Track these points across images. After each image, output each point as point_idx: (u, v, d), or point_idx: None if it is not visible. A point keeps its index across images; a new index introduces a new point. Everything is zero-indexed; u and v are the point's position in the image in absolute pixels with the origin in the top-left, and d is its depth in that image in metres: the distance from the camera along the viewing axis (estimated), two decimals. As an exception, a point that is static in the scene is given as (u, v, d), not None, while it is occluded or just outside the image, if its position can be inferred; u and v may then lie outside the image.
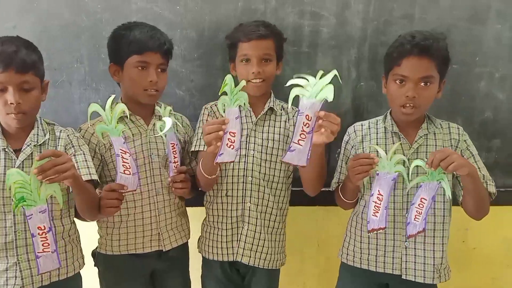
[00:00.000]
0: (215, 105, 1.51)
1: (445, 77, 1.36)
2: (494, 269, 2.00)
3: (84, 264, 1.38)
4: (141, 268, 1.46)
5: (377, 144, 1.38)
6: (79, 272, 1.36)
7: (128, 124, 1.40)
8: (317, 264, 1.94)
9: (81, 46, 1.62)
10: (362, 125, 1.47)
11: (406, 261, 1.37)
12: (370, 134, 1.43)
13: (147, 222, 1.41)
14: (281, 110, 1.52)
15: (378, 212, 1.25)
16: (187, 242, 1.58)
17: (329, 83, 1.15)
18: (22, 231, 1.21)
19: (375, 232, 1.30)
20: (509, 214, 1.95)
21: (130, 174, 1.21)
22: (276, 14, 1.64)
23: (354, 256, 1.46)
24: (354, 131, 1.47)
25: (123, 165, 1.20)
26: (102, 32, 1.56)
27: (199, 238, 1.59)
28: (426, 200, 1.23)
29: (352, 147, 1.46)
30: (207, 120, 1.50)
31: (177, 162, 1.36)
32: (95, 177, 1.28)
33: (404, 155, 1.30)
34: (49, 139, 1.27)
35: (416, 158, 1.28)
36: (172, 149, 1.35)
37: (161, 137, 1.37)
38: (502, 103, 1.82)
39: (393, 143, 1.36)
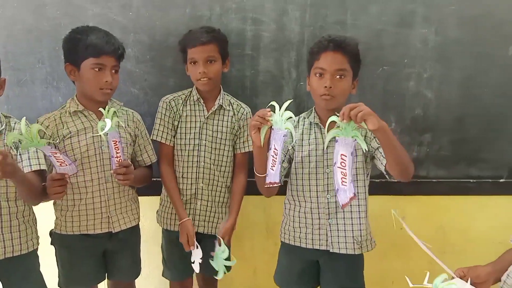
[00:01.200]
0: (173, 100, 1.71)
1: (358, 77, 1.53)
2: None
3: (38, 244, 1.53)
4: (92, 248, 1.62)
5: (302, 134, 1.55)
6: (34, 250, 1.52)
7: (81, 118, 1.56)
8: (266, 250, 2.10)
9: (42, 48, 1.79)
10: (293, 120, 1.64)
11: (331, 236, 1.55)
12: (298, 126, 1.60)
13: (97, 206, 1.57)
14: (229, 106, 1.73)
15: (274, 166, 1.34)
16: (138, 225, 1.74)
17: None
18: None
19: (271, 186, 1.34)
20: (442, 203, 2.13)
21: (66, 165, 1.39)
22: (221, 20, 1.81)
23: (289, 235, 1.63)
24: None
25: (57, 161, 1.38)
26: (61, 35, 1.69)
27: (157, 211, 1.80)
28: (346, 156, 1.23)
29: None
30: (164, 114, 1.70)
31: (119, 156, 1.49)
32: (44, 167, 1.45)
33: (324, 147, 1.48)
34: (5, 129, 1.43)
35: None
36: (114, 145, 1.48)
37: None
38: (431, 100, 2.00)
39: (315, 134, 1.53)
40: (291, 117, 1.28)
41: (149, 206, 1.84)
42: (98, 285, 1.73)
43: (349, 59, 1.47)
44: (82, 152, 1.53)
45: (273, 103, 1.32)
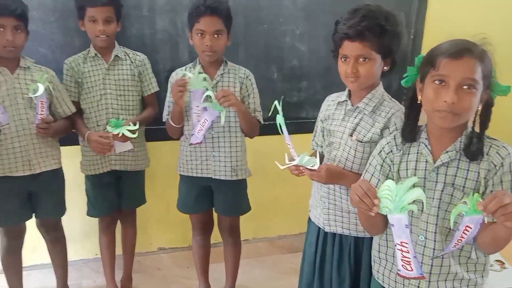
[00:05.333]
0: (73, 61, 1.94)
1: (230, 31, 1.86)
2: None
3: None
4: (16, 188, 1.84)
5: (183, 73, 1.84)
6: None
7: None
8: (177, 187, 2.42)
9: None
10: (177, 72, 1.93)
11: (214, 166, 1.92)
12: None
13: (17, 150, 1.78)
14: (125, 55, 2.00)
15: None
16: (60, 169, 1.98)
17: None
18: None
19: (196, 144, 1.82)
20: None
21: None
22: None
23: (182, 167, 1.98)
24: (175, 74, 1.94)
25: None
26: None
27: (80, 162, 2.06)
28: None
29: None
30: (66, 74, 1.94)
31: (43, 114, 1.73)
32: None
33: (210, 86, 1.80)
34: None
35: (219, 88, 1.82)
36: (41, 105, 1.71)
37: (27, 88, 1.74)
38: (304, 53, 2.43)
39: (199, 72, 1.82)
40: (205, 78, 1.69)
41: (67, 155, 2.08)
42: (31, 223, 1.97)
43: (223, 19, 1.80)
44: None
45: (186, 72, 1.75)
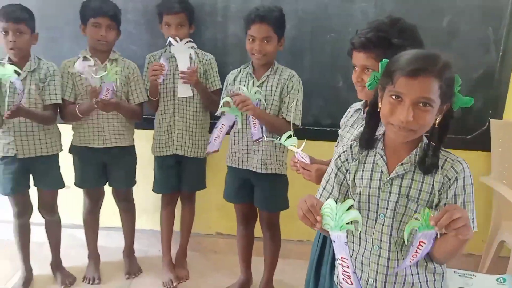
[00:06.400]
0: (152, 56, 2.28)
1: (283, 36, 2.02)
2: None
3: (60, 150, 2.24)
4: (93, 158, 2.26)
5: (240, 82, 2.06)
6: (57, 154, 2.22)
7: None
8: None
9: (69, 13, 2.39)
10: (233, 73, 2.15)
11: (253, 159, 2.07)
12: (239, 75, 2.11)
13: (94, 126, 2.19)
14: (195, 55, 2.23)
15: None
16: (132, 147, 2.35)
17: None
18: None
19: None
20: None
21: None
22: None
23: (228, 158, 2.18)
24: (231, 74, 2.16)
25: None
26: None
27: (152, 145, 2.37)
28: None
29: (227, 85, 2.16)
30: (147, 66, 2.28)
31: (107, 96, 2.02)
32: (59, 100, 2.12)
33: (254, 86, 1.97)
34: (37, 67, 2.09)
35: (262, 90, 1.96)
36: (106, 90, 2.02)
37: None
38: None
39: (251, 81, 2.03)
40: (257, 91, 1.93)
41: (146, 138, 2.45)
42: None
43: (272, 27, 1.94)
44: (86, 86, 2.15)
45: (241, 86, 1.99)
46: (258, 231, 2.36)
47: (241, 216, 2.28)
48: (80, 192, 2.40)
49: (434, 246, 1.11)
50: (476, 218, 1.15)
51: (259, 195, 2.14)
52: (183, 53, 2.11)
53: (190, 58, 2.14)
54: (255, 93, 1.94)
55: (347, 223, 1.06)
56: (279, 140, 1.53)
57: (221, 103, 1.98)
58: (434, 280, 1.22)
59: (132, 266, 2.53)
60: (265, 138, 1.96)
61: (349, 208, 1.07)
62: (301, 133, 2.19)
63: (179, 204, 2.54)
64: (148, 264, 2.60)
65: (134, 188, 2.48)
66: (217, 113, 2.14)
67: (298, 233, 2.68)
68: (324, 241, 1.57)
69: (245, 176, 2.14)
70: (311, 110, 2.46)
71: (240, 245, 2.34)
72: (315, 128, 2.48)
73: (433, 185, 1.15)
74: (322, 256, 1.57)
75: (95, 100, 2.00)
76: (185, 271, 2.52)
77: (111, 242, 2.68)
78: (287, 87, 2.03)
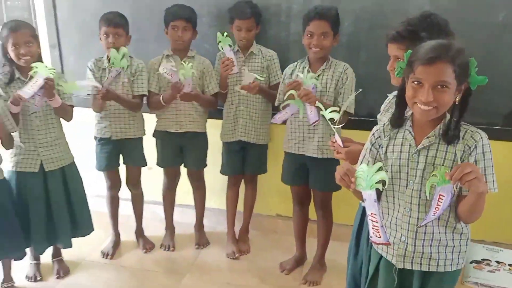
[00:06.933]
0: (222, 53, 2.57)
1: (338, 32, 2.23)
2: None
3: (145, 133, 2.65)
4: (171, 141, 2.63)
5: (296, 76, 2.29)
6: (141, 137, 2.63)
7: (171, 60, 2.52)
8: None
9: (154, 18, 2.79)
10: (290, 67, 2.39)
11: (308, 145, 2.30)
12: (296, 70, 2.34)
13: (172, 113, 2.56)
14: (259, 51, 2.54)
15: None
16: (204, 134, 2.69)
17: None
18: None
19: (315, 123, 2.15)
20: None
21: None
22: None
23: (285, 144, 2.43)
24: (288, 68, 2.40)
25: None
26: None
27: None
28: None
29: (285, 78, 2.39)
30: (217, 63, 2.60)
31: (188, 90, 2.36)
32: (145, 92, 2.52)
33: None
34: (131, 64, 2.49)
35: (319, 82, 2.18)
36: (188, 84, 2.36)
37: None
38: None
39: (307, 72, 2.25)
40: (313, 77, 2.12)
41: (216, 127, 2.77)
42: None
43: (330, 23, 2.16)
44: (168, 81, 2.51)
45: (299, 73, 2.18)
46: (313, 214, 2.59)
47: (297, 197, 2.52)
48: (159, 174, 2.80)
49: (458, 205, 1.35)
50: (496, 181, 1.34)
51: (314, 178, 2.37)
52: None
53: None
54: (311, 78, 2.12)
55: (376, 182, 1.26)
56: (324, 112, 1.72)
57: (286, 95, 2.15)
58: (460, 239, 1.43)
59: (201, 238, 2.89)
60: (321, 122, 2.18)
61: (378, 170, 1.27)
62: (357, 124, 2.44)
63: (243, 187, 2.84)
64: (215, 238, 2.94)
65: (205, 170, 2.83)
66: (277, 104, 2.40)
67: (351, 218, 2.85)
68: (364, 213, 1.76)
69: (301, 160, 2.38)
70: (367, 103, 2.62)
71: (296, 224, 2.58)
72: (370, 119, 2.63)
73: (455, 153, 1.33)
74: (362, 225, 1.77)
75: (179, 95, 2.36)
76: (246, 246, 2.82)
77: (185, 218, 3.04)
78: (342, 80, 2.24)
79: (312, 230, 2.64)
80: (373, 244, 1.52)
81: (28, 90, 2.07)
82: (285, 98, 2.15)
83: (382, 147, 1.46)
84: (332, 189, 2.37)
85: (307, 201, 2.54)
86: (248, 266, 2.69)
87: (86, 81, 2.44)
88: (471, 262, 2.46)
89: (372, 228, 1.34)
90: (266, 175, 2.79)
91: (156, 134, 2.68)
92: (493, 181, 1.33)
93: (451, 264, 1.42)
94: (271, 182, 2.84)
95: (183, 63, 2.33)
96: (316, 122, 2.16)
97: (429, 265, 1.42)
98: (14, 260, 2.39)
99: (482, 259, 2.43)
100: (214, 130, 2.76)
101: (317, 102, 2.09)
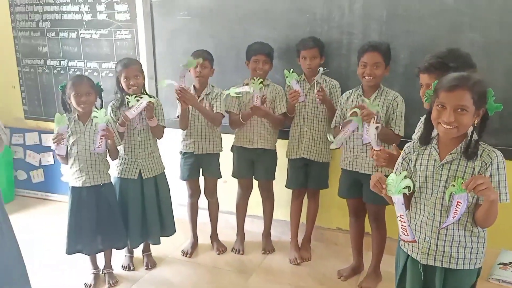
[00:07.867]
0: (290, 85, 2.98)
1: (389, 64, 2.53)
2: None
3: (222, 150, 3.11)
4: (246, 156, 3.06)
5: (352, 102, 2.61)
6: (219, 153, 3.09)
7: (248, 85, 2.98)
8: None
9: (233, 54, 3.28)
10: (346, 94, 2.71)
11: (362, 162, 2.59)
12: (351, 96, 2.67)
13: (247, 131, 3.00)
14: (323, 81, 2.90)
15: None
16: (273, 150, 3.08)
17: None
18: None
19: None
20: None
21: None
22: (328, 34, 2.98)
23: (342, 162, 2.73)
24: (344, 95, 2.73)
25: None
26: (240, 48, 3.17)
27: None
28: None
29: (341, 103, 2.72)
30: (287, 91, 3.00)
31: (258, 103, 2.82)
32: (222, 111, 2.98)
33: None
34: (211, 92, 2.99)
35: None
36: (257, 97, 2.80)
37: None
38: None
39: (362, 101, 2.56)
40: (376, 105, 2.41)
41: (283, 146, 3.14)
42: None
43: (382, 55, 2.47)
44: (245, 104, 2.99)
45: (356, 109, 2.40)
46: (368, 228, 2.84)
47: (352, 210, 2.80)
48: (233, 187, 3.24)
49: (475, 211, 1.59)
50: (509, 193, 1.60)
51: (367, 191, 2.63)
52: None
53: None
54: (374, 105, 2.39)
55: (404, 188, 1.55)
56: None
57: (350, 112, 2.36)
58: (478, 242, 1.65)
59: (268, 245, 3.25)
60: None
61: (404, 178, 1.55)
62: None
63: (306, 200, 3.17)
64: (280, 247, 3.28)
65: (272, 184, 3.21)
66: (333, 125, 2.74)
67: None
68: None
69: (355, 176, 2.67)
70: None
71: (352, 234, 2.85)
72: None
73: (474, 168, 1.59)
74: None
75: (250, 107, 2.81)
76: (308, 254, 3.12)
77: (254, 227, 3.44)
78: (392, 106, 2.53)
79: (368, 244, 2.87)
80: (400, 241, 1.77)
81: (133, 111, 2.63)
82: (349, 114, 2.39)
83: (411, 161, 1.75)
84: (384, 202, 2.59)
85: (362, 213, 2.80)
86: (308, 271, 2.99)
87: (169, 80, 2.82)
88: (498, 264, 2.78)
89: (401, 227, 1.61)
90: (329, 191, 3.09)
91: (233, 148, 3.14)
92: (506, 192, 1.58)
93: (469, 263, 1.66)
94: (333, 197, 3.10)
95: (254, 78, 2.78)
96: (369, 143, 2.45)
97: (449, 262, 1.66)
98: (117, 249, 2.92)
99: (509, 262, 2.77)
100: (280, 148, 3.15)
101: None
